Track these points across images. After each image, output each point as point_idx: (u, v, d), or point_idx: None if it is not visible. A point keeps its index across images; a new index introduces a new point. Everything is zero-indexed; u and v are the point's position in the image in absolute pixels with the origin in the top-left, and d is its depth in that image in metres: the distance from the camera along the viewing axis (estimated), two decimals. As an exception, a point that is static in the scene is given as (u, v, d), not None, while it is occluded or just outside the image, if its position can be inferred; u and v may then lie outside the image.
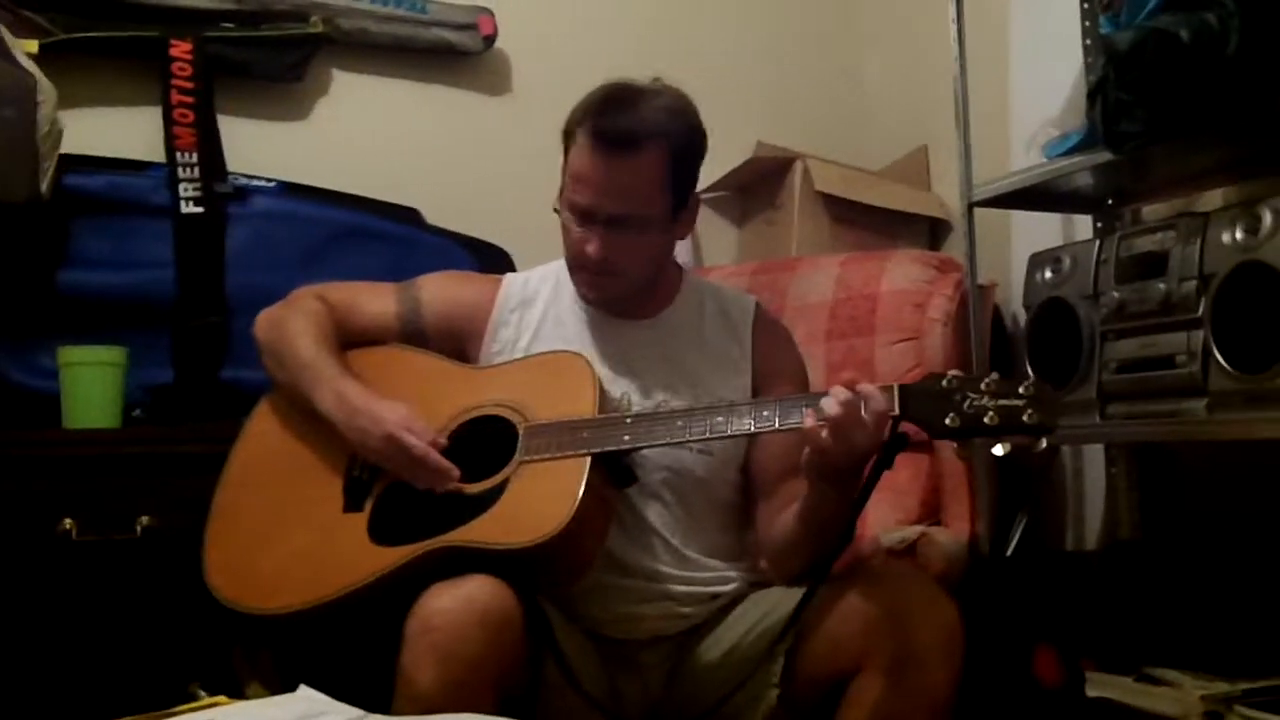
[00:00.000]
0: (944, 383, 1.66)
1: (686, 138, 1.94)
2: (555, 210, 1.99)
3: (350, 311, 2.05)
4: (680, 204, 1.96)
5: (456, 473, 1.83)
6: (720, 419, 1.78)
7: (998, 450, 1.64)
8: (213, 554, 1.91)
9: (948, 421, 1.64)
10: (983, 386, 1.64)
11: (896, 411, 1.67)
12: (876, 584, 1.74)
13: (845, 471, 1.71)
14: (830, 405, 1.65)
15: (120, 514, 2.28)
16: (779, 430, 1.75)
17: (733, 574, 1.96)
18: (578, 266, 1.97)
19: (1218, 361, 2.06)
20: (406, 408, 1.88)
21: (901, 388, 1.68)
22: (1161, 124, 2.08)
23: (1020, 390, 1.62)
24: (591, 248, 1.90)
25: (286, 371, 1.99)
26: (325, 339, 1.99)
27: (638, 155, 1.88)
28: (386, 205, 2.94)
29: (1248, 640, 2.24)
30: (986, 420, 1.62)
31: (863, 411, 1.65)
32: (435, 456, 1.83)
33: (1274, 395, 1.97)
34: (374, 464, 1.90)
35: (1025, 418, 1.61)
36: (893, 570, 1.80)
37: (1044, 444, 1.63)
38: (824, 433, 1.66)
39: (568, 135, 1.95)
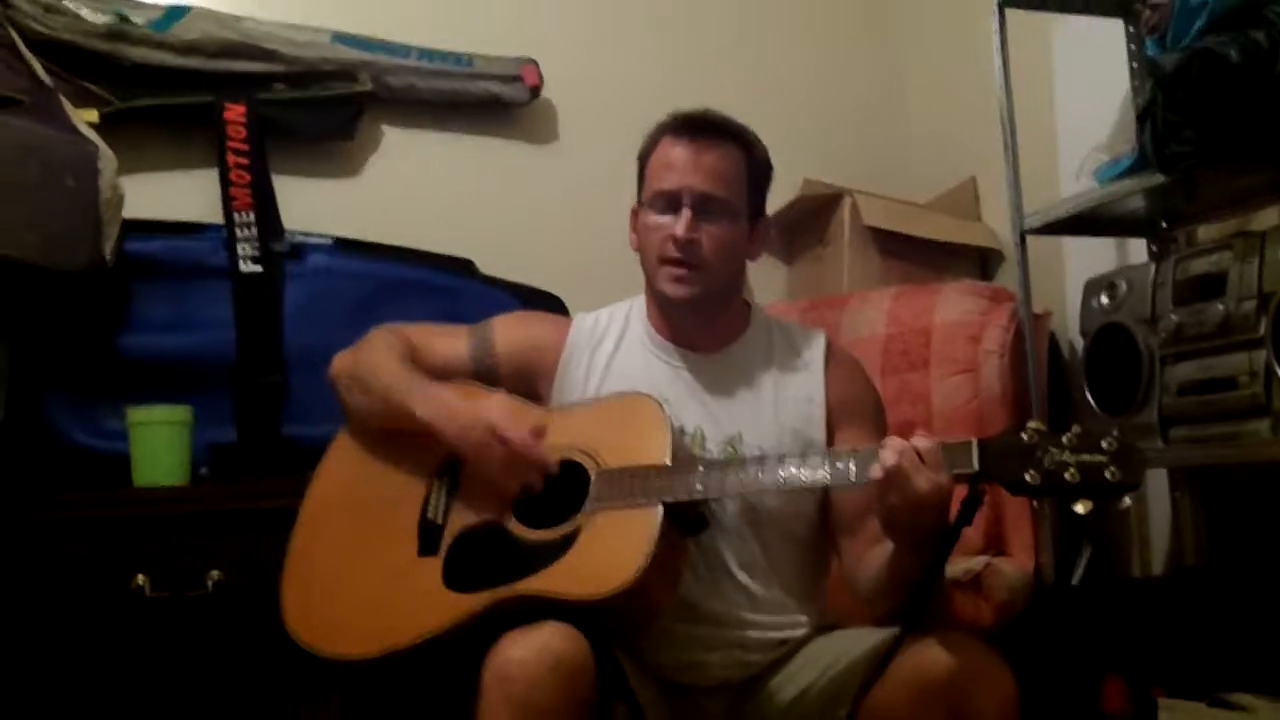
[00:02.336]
0: (1024, 436, 1.62)
1: (761, 154, 2.04)
2: (633, 228, 2.04)
3: (424, 350, 2.05)
4: (756, 215, 2.03)
5: (553, 467, 1.84)
6: (794, 469, 1.75)
7: (1079, 509, 1.57)
8: (289, 595, 1.91)
9: (1027, 478, 1.59)
10: (1064, 440, 1.59)
11: (976, 468, 1.63)
12: (934, 649, 1.69)
13: (917, 531, 1.67)
14: (887, 456, 1.63)
15: (191, 570, 2.31)
16: (854, 484, 1.73)
17: (802, 618, 1.95)
18: (663, 260, 1.96)
19: (1280, 381, 2.04)
20: (504, 397, 1.90)
21: (980, 443, 1.65)
22: (1212, 144, 2.07)
23: (1103, 445, 1.57)
24: (679, 228, 1.93)
25: (372, 395, 1.98)
26: (409, 362, 1.99)
27: (722, 143, 1.98)
28: (440, 257, 2.98)
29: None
30: (1067, 477, 1.57)
31: (920, 462, 1.62)
32: (533, 449, 1.84)
33: (1339, 412, 1.95)
34: (473, 460, 1.89)
35: (1108, 475, 1.56)
36: (951, 636, 1.73)
37: (1127, 502, 1.59)
38: (904, 472, 1.63)
39: (647, 150, 2.03)
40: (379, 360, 1.99)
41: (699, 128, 1.98)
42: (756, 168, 2.02)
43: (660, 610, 1.80)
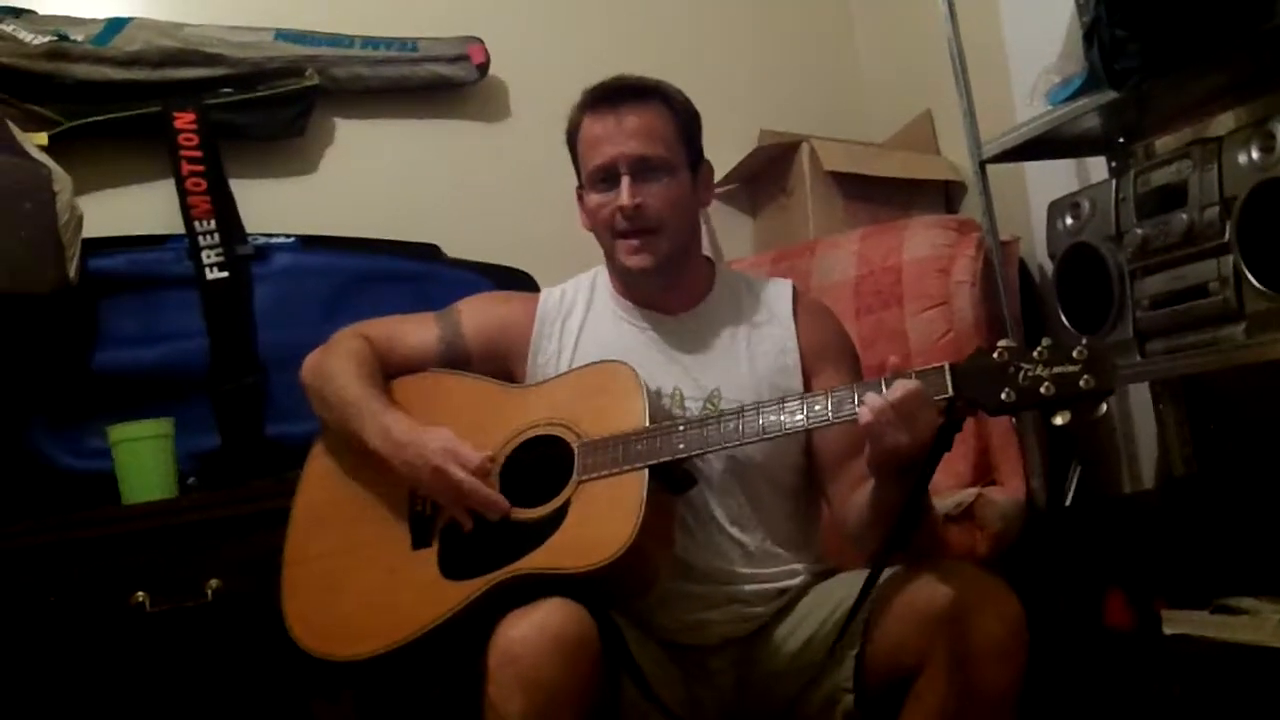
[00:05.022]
0: (995, 356, 1.61)
1: (682, 102, 2.04)
2: (582, 210, 2.05)
3: (392, 344, 2.06)
4: (695, 162, 2.03)
5: (505, 505, 1.83)
6: (773, 416, 1.75)
7: (1058, 420, 1.57)
8: (290, 604, 1.92)
9: (1003, 397, 1.59)
10: (1035, 355, 1.58)
11: (950, 393, 1.63)
12: (937, 580, 1.69)
13: (907, 462, 1.68)
14: (864, 414, 1.64)
15: (189, 581, 2.31)
16: (833, 423, 1.73)
17: (799, 566, 1.95)
18: (617, 233, 1.97)
19: (1250, 283, 2.04)
20: (450, 433, 1.87)
21: (952, 367, 1.64)
22: (1160, 56, 2.07)
23: (1074, 355, 1.56)
24: (624, 197, 1.93)
25: (332, 411, 1.99)
26: (367, 374, 1.99)
27: (642, 103, 1.98)
28: (405, 245, 2.97)
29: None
30: (1043, 391, 1.56)
31: (895, 419, 1.62)
32: (481, 491, 1.82)
33: (1311, 309, 1.96)
34: (424, 493, 1.90)
35: (1082, 383, 1.55)
36: (954, 566, 1.74)
37: (1104, 409, 1.58)
38: (881, 428, 1.64)
39: (572, 133, 2.03)
40: (338, 378, 1.99)
41: (614, 94, 1.98)
42: (681, 116, 2.01)
43: (657, 573, 1.81)
